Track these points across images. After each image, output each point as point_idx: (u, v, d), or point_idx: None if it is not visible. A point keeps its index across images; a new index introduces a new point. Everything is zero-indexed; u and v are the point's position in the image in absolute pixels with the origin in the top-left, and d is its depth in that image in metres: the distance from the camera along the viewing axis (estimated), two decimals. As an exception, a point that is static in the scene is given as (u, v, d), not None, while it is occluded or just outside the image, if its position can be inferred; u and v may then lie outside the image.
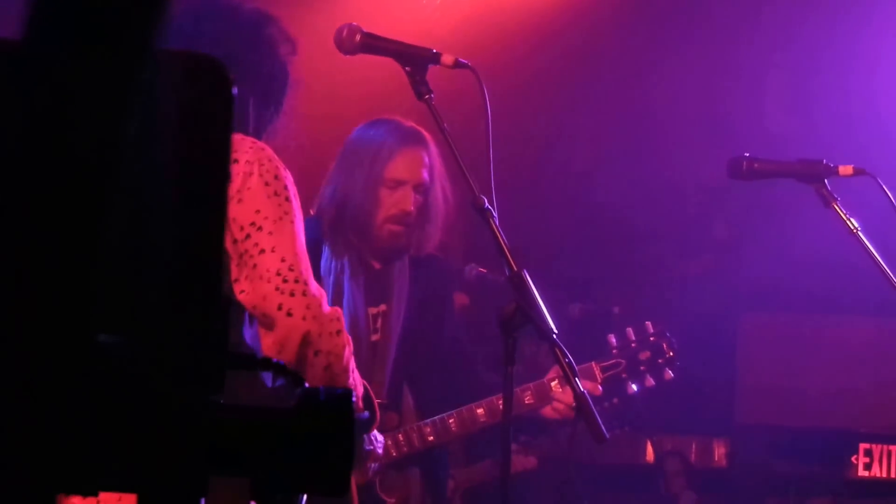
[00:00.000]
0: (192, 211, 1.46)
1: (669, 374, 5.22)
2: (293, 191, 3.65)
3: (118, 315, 1.52)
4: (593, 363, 5.11)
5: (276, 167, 3.63)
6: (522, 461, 5.93)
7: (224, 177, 1.46)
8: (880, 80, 6.93)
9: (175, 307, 1.51)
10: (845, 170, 4.44)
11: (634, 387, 5.21)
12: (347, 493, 1.65)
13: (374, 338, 4.91)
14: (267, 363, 1.76)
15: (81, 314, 1.36)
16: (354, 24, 3.85)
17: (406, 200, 4.85)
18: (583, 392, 3.51)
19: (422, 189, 4.86)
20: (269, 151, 3.66)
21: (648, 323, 5.25)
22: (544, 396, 4.97)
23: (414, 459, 5.00)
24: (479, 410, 4.97)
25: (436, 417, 4.98)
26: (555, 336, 3.53)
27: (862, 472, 6.32)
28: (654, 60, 7.45)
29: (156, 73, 1.30)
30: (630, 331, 5.21)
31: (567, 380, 3.50)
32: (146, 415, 1.52)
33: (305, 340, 3.54)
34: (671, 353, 5.22)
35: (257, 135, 3.78)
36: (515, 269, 3.59)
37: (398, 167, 4.85)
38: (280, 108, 3.85)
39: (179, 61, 1.45)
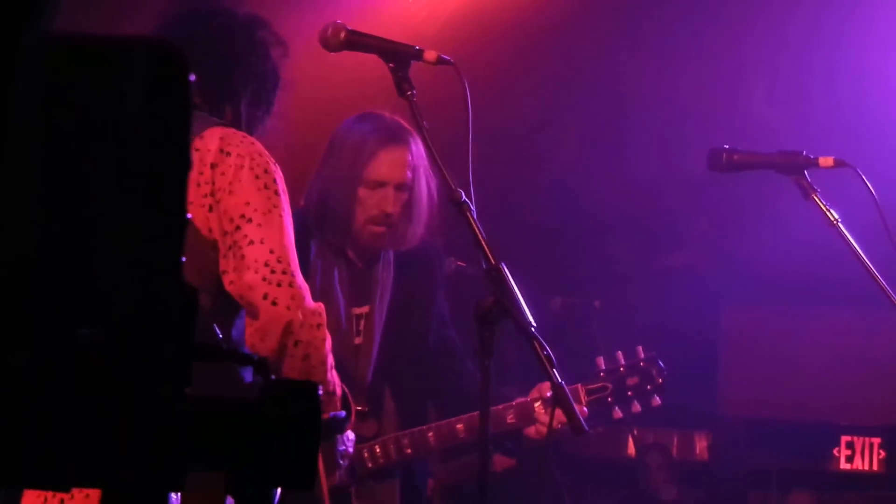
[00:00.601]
0: (153, 199, 1.45)
1: (657, 400, 5.08)
2: (282, 185, 3.73)
3: (83, 309, 1.52)
4: (580, 385, 4.99)
5: (267, 161, 3.72)
6: (502, 460, 5.91)
7: (184, 164, 1.45)
8: (862, 71, 6.92)
9: (139, 300, 1.49)
10: (825, 161, 4.42)
11: (620, 412, 5.09)
12: (315, 486, 1.65)
13: (357, 341, 4.85)
14: (234, 354, 1.76)
15: (38, 307, 1.34)
16: (339, 21, 3.86)
17: (387, 202, 4.79)
18: (560, 383, 3.49)
19: (404, 188, 4.80)
20: (260, 146, 3.75)
21: (640, 348, 5.09)
22: (527, 417, 4.90)
23: (392, 470, 4.94)
24: (459, 426, 4.90)
25: (415, 430, 4.90)
26: (533, 329, 3.51)
27: (844, 465, 6.34)
28: (636, 55, 7.44)
29: (42, 61, 1.30)
30: (620, 355, 5.07)
31: (544, 371, 3.48)
32: (113, 408, 1.51)
33: (287, 330, 3.61)
34: (660, 381, 5.08)
35: (249, 132, 3.85)
36: (493, 262, 3.58)
37: (379, 168, 4.79)
38: (271, 108, 3.94)
39: (136, 47, 1.43)
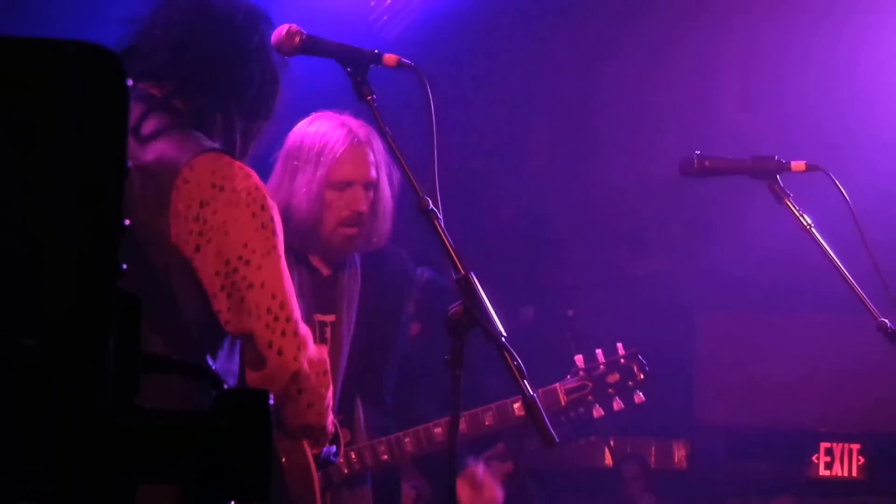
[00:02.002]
0: (88, 207, 1.41)
1: (640, 396, 5.07)
2: (279, 222, 3.59)
3: (24, 318, 1.48)
4: (557, 385, 5.00)
5: (263, 196, 3.55)
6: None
7: (119, 170, 1.41)
8: (833, 75, 6.92)
9: (77, 309, 1.46)
10: (797, 166, 4.41)
11: (601, 410, 5.07)
12: (268, 497, 1.61)
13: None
14: (184, 366, 1.72)
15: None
16: (294, 25, 3.77)
17: (358, 201, 4.76)
18: (532, 395, 3.45)
19: (371, 186, 4.78)
20: (256, 179, 3.56)
21: (619, 344, 5.10)
22: (506, 419, 4.90)
23: (365, 477, 4.91)
24: (437, 430, 4.89)
25: (391, 436, 4.88)
26: (503, 339, 3.47)
27: (823, 472, 6.33)
28: (608, 61, 7.43)
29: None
30: (599, 352, 5.07)
31: (514, 382, 3.44)
32: (58, 421, 1.49)
33: (294, 379, 3.54)
34: (642, 376, 5.07)
35: (245, 150, 3.69)
36: (462, 271, 3.53)
37: (344, 168, 4.75)
38: (270, 114, 3.74)
39: (69, 51, 1.39)
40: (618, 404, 5.04)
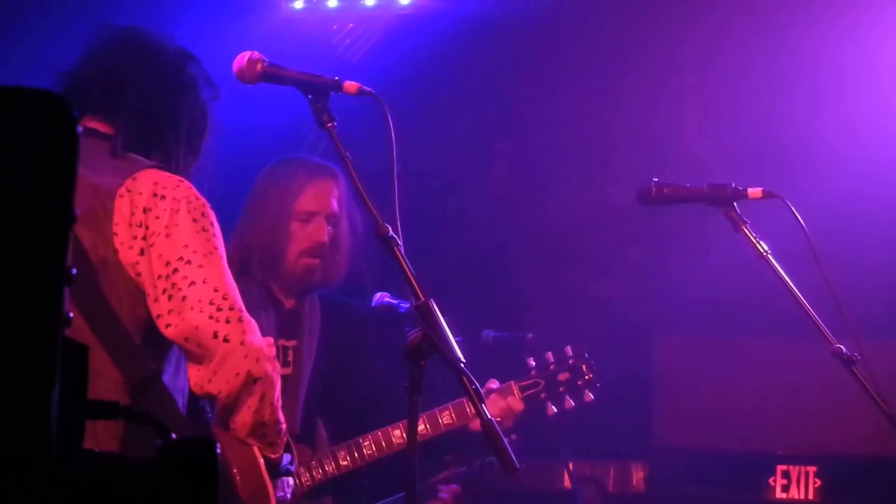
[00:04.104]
0: (33, 255, 1.39)
1: (590, 396, 5.29)
2: (218, 229, 3.68)
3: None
4: (513, 382, 5.19)
5: (203, 204, 3.66)
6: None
7: (66, 218, 1.39)
8: (791, 100, 6.96)
9: (23, 361, 1.43)
10: (754, 193, 4.43)
11: (554, 408, 5.26)
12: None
13: (286, 371, 4.91)
14: (130, 413, 1.70)
15: None
16: (256, 52, 3.78)
17: (320, 231, 4.90)
18: (491, 420, 3.45)
19: (332, 220, 4.92)
20: (195, 190, 3.69)
21: (568, 347, 5.31)
22: (464, 415, 4.98)
23: (327, 488, 4.95)
24: (396, 432, 4.96)
25: (350, 441, 4.95)
26: (462, 365, 3.48)
27: (780, 494, 6.34)
28: (567, 85, 7.44)
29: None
30: (549, 354, 5.28)
31: (475, 409, 3.44)
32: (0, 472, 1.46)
33: (244, 367, 3.53)
34: (590, 376, 5.28)
35: (181, 174, 3.77)
36: (422, 298, 3.54)
37: (308, 199, 4.92)
38: (200, 150, 3.86)
39: (19, 99, 1.37)
40: (569, 403, 5.26)
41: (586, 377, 5.29)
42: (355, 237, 5.00)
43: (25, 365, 1.40)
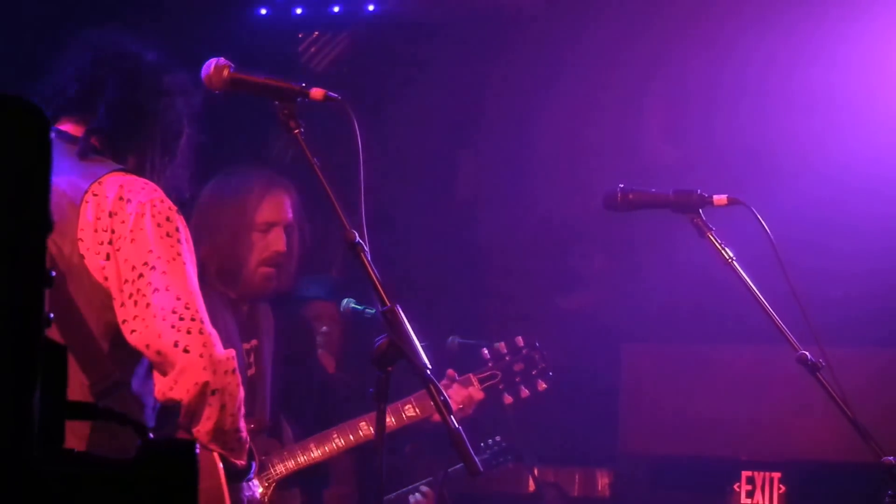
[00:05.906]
0: (10, 262, 1.39)
1: (543, 385, 5.50)
2: (185, 233, 3.69)
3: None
4: (471, 374, 5.37)
5: (169, 208, 3.67)
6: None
7: (43, 225, 1.39)
8: (754, 109, 6.98)
9: (5, 362, 1.43)
10: (720, 199, 4.44)
11: (510, 398, 5.47)
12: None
13: (250, 372, 5.02)
14: (109, 414, 1.71)
15: None
16: (222, 59, 3.78)
17: (279, 241, 5.01)
18: (457, 428, 3.46)
19: (289, 229, 5.02)
20: (161, 193, 3.69)
21: (519, 337, 5.51)
22: (427, 407, 5.08)
23: (296, 478, 5.09)
24: (363, 423, 5.13)
25: (319, 434, 5.06)
26: (428, 372, 3.48)
27: (744, 500, 6.35)
28: (536, 91, 7.46)
29: None
30: (502, 345, 5.46)
31: (441, 416, 3.44)
32: None
33: (202, 378, 3.55)
34: (543, 365, 5.50)
35: (154, 180, 3.79)
36: (388, 304, 3.54)
37: (267, 210, 5.05)
38: (174, 158, 3.88)
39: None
40: (524, 392, 5.47)
41: (540, 366, 5.49)
42: (304, 246, 5.12)
43: (7, 365, 1.41)
